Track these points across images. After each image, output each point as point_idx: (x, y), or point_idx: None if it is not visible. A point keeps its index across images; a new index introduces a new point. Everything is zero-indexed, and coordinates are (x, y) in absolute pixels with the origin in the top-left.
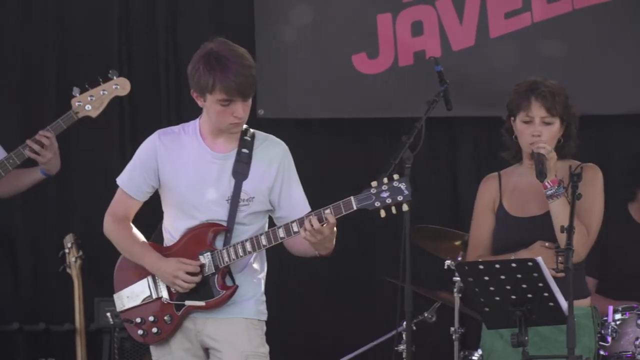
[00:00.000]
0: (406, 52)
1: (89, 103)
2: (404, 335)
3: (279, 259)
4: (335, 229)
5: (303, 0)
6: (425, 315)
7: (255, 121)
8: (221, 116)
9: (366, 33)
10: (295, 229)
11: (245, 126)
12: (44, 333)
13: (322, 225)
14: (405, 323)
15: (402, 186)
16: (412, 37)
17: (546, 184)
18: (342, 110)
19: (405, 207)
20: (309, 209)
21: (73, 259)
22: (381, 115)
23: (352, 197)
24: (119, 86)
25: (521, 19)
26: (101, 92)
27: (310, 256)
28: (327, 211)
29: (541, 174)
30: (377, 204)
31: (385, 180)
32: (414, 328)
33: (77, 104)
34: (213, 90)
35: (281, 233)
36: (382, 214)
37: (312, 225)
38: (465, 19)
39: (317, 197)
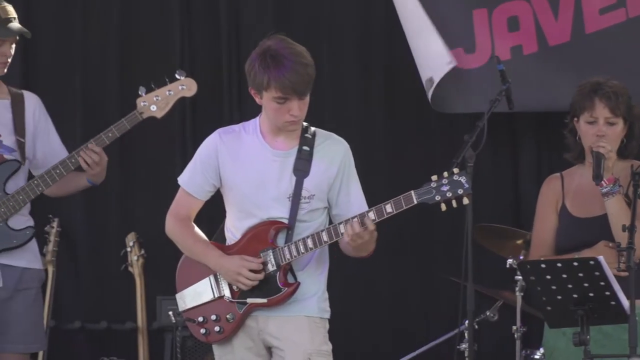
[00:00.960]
0: (503, 47)
1: (154, 103)
2: (465, 334)
3: (341, 257)
4: (375, 232)
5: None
6: (487, 314)
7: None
8: (277, 114)
9: (462, 28)
10: (342, 230)
11: (305, 124)
12: (106, 332)
13: (363, 229)
14: (467, 322)
15: (463, 179)
16: (508, 32)
17: (602, 182)
18: (442, 105)
19: (465, 201)
20: (366, 208)
21: (135, 258)
22: (480, 110)
23: (412, 191)
24: (186, 87)
25: (616, 15)
26: (167, 93)
27: (355, 256)
28: (371, 214)
29: (597, 177)
30: (438, 197)
31: (446, 174)
32: (476, 327)
33: (142, 103)
34: (268, 88)
35: (342, 229)
36: (443, 207)
37: (352, 229)
38: (560, 14)
39: (380, 193)
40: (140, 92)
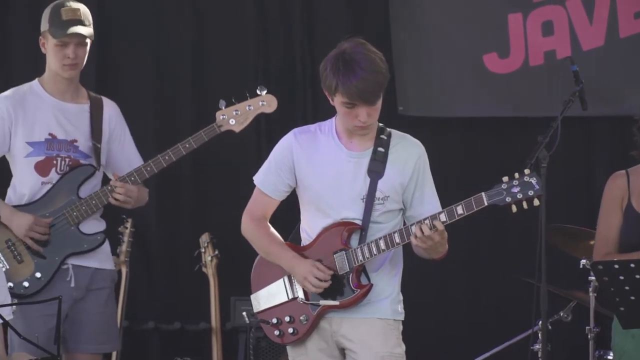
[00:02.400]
0: (537, 52)
1: (233, 117)
2: (539, 335)
3: (416, 258)
4: (445, 234)
5: (436, 1)
6: (561, 314)
7: (395, 118)
8: (346, 118)
9: (497, 32)
10: (413, 230)
11: (381, 125)
12: (180, 332)
13: (432, 231)
14: (540, 322)
15: (533, 180)
16: (542, 37)
17: None
18: (475, 109)
19: (536, 202)
20: (439, 209)
21: (209, 258)
22: (512, 114)
23: (483, 193)
24: (266, 103)
25: None
26: (247, 108)
27: (428, 258)
28: (442, 215)
29: None
30: (508, 199)
31: (516, 175)
32: (550, 327)
33: (221, 117)
34: (336, 92)
35: (414, 230)
36: (514, 209)
37: (422, 232)
38: (595, 18)
39: (450, 194)
40: (220, 106)
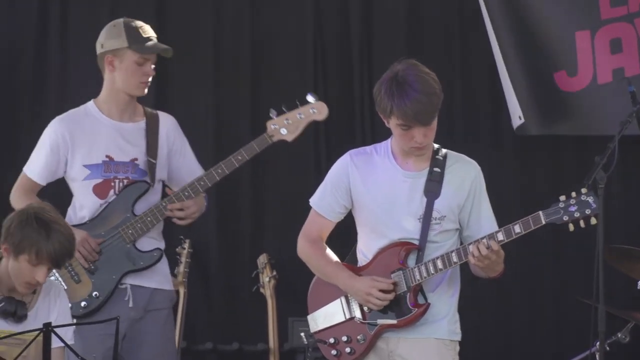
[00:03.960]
0: (605, 70)
1: (284, 126)
2: (597, 356)
3: (473, 278)
4: (502, 253)
5: (506, 19)
6: (619, 335)
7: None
8: (402, 139)
9: (565, 50)
10: (470, 250)
11: (437, 145)
12: (238, 353)
13: (489, 251)
14: (598, 343)
15: (590, 199)
16: (611, 54)
17: None
18: (549, 128)
19: (593, 221)
20: (496, 228)
21: (267, 279)
22: (581, 133)
23: (540, 212)
24: (317, 110)
25: None
26: (298, 116)
27: (485, 277)
28: (499, 234)
29: None
30: (565, 217)
31: (574, 194)
32: (607, 348)
33: (272, 126)
34: (391, 115)
35: (471, 249)
36: (571, 227)
37: (479, 251)
38: None
39: (508, 213)
40: (271, 115)
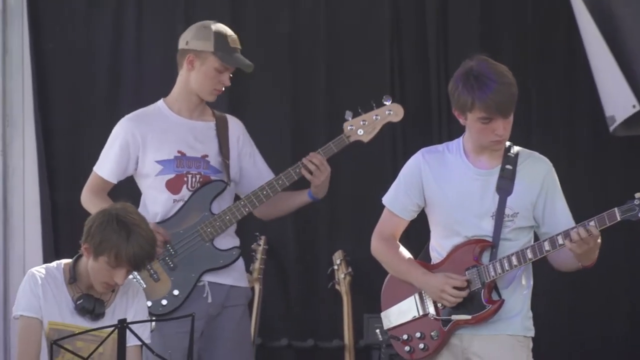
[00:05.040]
0: None
1: (361, 127)
2: None
3: (547, 274)
4: (599, 240)
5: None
6: None
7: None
8: (482, 134)
9: None
10: (561, 241)
11: (508, 143)
12: (313, 349)
13: (589, 235)
14: None
15: None
16: None
17: None
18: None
19: None
20: (573, 224)
21: (342, 276)
22: None
23: (615, 209)
24: (393, 112)
25: None
26: (374, 117)
27: (573, 270)
28: (592, 223)
29: None
30: None
31: None
32: None
33: (349, 127)
34: (472, 109)
35: (546, 246)
36: None
37: (579, 236)
38: None
39: (584, 210)
40: (346, 117)
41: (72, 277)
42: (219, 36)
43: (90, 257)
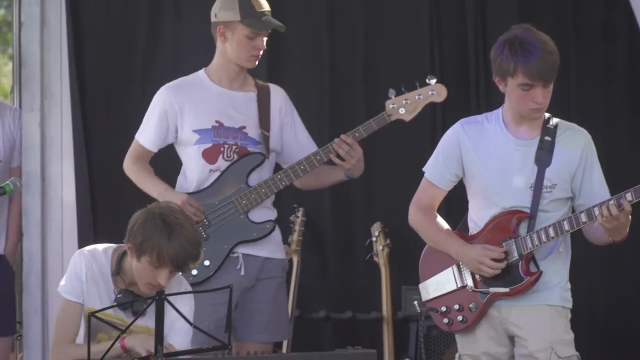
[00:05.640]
0: None
1: (403, 106)
2: None
3: (585, 246)
4: (630, 216)
5: None
6: None
7: None
8: (521, 101)
9: None
10: (597, 212)
11: (547, 115)
12: (351, 321)
13: (620, 211)
14: None
15: None
16: None
17: None
18: None
19: None
20: (609, 196)
21: (380, 247)
22: None
23: None
24: (435, 92)
25: None
26: (416, 97)
27: (605, 244)
28: (628, 195)
29: None
30: None
31: None
32: None
33: (391, 106)
34: (515, 74)
35: (583, 218)
36: None
37: (609, 212)
38: None
39: (620, 186)
40: (389, 95)
41: (117, 270)
42: (244, 3)
43: (133, 257)
